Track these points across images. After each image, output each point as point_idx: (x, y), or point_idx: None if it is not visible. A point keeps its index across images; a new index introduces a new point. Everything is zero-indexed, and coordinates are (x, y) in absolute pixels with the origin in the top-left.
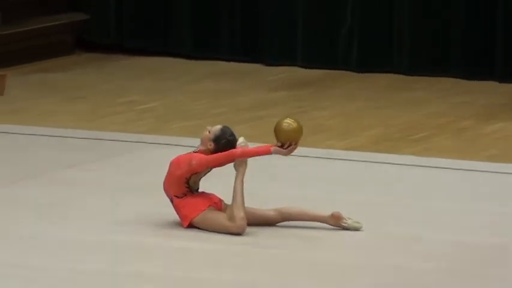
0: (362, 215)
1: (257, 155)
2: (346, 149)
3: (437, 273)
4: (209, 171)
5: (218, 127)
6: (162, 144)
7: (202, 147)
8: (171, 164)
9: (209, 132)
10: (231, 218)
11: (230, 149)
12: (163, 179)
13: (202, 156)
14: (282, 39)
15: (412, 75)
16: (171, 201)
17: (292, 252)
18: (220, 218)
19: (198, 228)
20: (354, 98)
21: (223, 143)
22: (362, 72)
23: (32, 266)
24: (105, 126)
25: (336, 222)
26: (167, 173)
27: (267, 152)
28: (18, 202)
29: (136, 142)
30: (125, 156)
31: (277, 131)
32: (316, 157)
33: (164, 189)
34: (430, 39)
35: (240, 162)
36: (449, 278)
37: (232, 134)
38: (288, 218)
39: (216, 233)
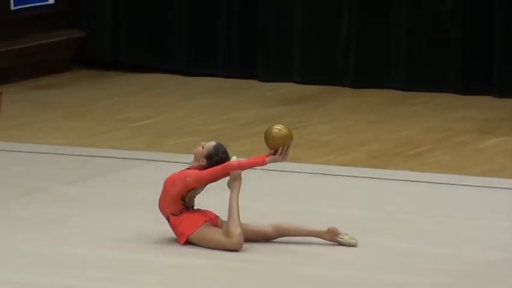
0: (358, 231)
1: (253, 166)
2: (344, 164)
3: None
4: (204, 187)
5: (212, 144)
6: (159, 161)
7: (195, 163)
8: (166, 182)
9: (202, 147)
10: (228, 235)
11: None
12: (159, 196)
13: (197, 171)
14: (279, 56)
15: (409, 91)
16: (168, 219)
17: (289, 268)
18: (216, 234)
19: (195, 244)
20: (351, 113)
21: (216, 160)
22: (359, 87)
23: (31, 283)
24: (103, 143)
25: (332, 238)
26: (162, 192)
27: (262, 163)
28: (17, 219)
29: (133, 159)
30: (122, 173)
31: (269, 138)
32: (314, 173)
33: (160, 209)
34: (427, 54)
35: (234, 178)
36: None
37: (225, 152)
38: (284, 233)
39: (212, 250)
